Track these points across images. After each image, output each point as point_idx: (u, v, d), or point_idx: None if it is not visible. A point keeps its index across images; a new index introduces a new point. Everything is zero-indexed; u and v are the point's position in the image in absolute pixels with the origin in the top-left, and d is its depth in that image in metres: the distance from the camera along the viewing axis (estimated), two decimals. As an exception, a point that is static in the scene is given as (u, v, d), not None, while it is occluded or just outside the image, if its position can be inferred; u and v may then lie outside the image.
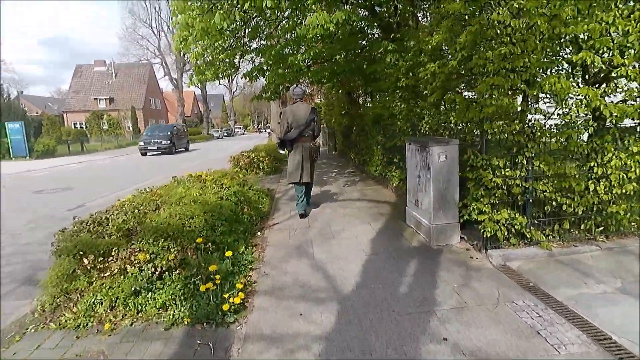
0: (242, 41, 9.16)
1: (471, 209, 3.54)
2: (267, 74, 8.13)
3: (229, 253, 3.01)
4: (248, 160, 10.34)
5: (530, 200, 3.44)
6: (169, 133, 21.61)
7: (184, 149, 23.38)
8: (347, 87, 12.31)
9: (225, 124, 68.99)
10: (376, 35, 9.33)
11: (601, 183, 3.39)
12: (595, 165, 3.36)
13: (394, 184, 6.38)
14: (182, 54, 37.22)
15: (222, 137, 49.71)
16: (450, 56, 4.19)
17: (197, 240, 3.01)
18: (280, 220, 5.24)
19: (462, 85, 4.32)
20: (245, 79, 9.48)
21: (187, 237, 3.13)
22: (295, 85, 6.66)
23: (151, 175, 11.35)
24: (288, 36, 8.39)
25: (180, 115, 37.30)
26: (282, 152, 5.98)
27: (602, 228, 3.56)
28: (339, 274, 3.27)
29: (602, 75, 3.72)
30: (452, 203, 3.81)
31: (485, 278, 3.06)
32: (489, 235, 3.34)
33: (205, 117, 47.47)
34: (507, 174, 3.32)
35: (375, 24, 8.04)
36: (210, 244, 3.24)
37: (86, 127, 43.51)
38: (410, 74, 5.28)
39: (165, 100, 53.77)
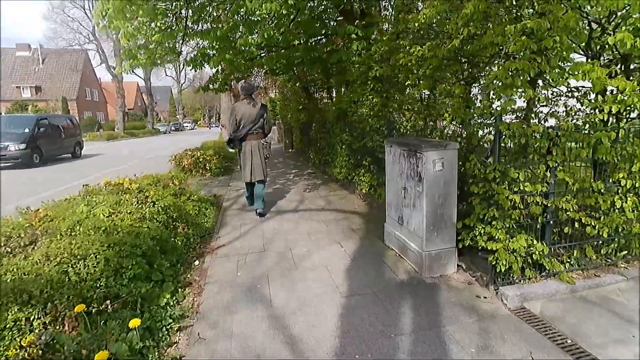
0: (184, 23, 7.81)
1: (477, 232, 2.74)
2: (212, 59, 6.89)
3: (134, 322, 1.90)
4: (192, 159, 8.98)
5: (551, 222, 2.71)
6: (26, 130, 12.54)
7: (69, 155, 14.95)
8: (305, 80, 11.34)
9: (174, 118, 64.89)
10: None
11: (628, 199, 2.75)
12: (624, 176, 2.70)
13: (363, 190, 5.53)
14: (118, 39, 33.65)
15: (169, 132, 46.41)
16: (440, 37, 3.36)
17: (76, 309, 1.85)
18: (228, 239, 4.14)
19: (461, 73, 3.51)
20: (189, 67, 8.19)
21: (71, 294, 1.98)
22: (243, 81, 5.74)
23: (78, 177, 9.53)
24: (238, 18, 7.24)
25: (120, 107, 33.91)
26: (230, 150, 5.84)
27: (624, 252, 2.94)
28: (308, 335, 2.30)
29: (617, 63, 3.11)
30: (449, 223, 2.99)
31: (508, 332, 2.25)
32: (502, 269, 2.55)
33: (149, 109, 43.93)
34: (526, 188, 2.55)
35: (337, 7, 7.13)
36: (110, 301, 2.10)
37: (7, 119, 38.37)
38: (384, 62, 4.44)
39: (105, 91, 48.90)
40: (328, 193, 6.38)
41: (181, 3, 6.85)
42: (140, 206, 3.45)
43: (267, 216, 5.00)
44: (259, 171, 4.97)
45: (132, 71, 8.11)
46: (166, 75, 60.09)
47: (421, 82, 3.45)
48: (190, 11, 7.26)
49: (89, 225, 2.73)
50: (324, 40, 7.64)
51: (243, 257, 3.61)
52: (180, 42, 8.20)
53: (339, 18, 8.11)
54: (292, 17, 6.60)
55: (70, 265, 2.18)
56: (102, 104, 47.35)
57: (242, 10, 6.44)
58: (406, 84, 3.69)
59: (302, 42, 6.57)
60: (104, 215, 3.01)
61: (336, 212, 5.08)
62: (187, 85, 59.89)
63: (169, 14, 7.12)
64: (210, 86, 9.54)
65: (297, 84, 11.51)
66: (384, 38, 4.21)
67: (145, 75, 42.46)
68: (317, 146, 9.07)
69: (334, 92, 10.49)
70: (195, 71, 9.14)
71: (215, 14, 8.02)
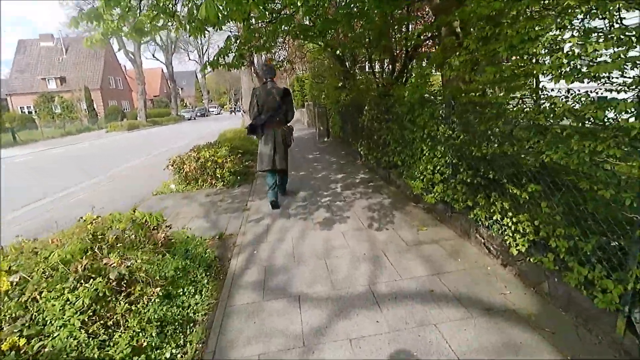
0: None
1: None
2: (205, 6, 4.12)
3: None
4: (197, 164, 6.39)
5: None
6: None
7: None
8: (345, 48, 8.34)
9: (200, 103, 63.42)
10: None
11: None
12: None
13: (514, 249, 2.63)
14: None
15: (194, 118, 44.71)
16: None
17: None
18: None
19: None
20: (187, 33, 5.54)
21: None
22: (264, 64, 5.59)
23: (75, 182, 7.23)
24: None
25: (140, 94, 32.14)
26: (253, 137, 5.42)
27: None
28: None
29: None
30: None
31: None
32: None
33: (173, 96, 42.22)
34: None
35: None
36: None
37: (35, 112, 38.05)
38: None
39: (129, 79, 47.63)
40: (416, 235, 3.54)
41: None
42: None
43: (320, 325, 2.27)
44: (281, 160, 4.67)
45: (103, 44, 5.50)
46: (189, 59, 58.31)
47: None
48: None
49: None
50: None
51: None
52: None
53: None
54: None
55: None
56: (126, 92, 46.16)
57: None
58: None
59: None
60: None
61: (473, 315, 2.25)
62: (211, 69, 57.62)
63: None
64: (221, 60, 6.82)
65: (337, 52, 8.52)
66: None
67: (166, 60, 40.56)
68: (374, 140, 6.18)
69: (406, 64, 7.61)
70: (195, 38, 6.38)
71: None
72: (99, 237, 2.57)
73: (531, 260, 2.45)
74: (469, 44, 2.72)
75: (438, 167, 3.79)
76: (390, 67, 10.08)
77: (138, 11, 5.80)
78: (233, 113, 49.21)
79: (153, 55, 45.86)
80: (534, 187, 2.40)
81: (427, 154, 4.03)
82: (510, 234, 2.67)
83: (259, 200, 5.18)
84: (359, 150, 7.33)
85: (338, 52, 8.03)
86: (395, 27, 8.59)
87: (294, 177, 6.49)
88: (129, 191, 6.75)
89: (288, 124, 4.82)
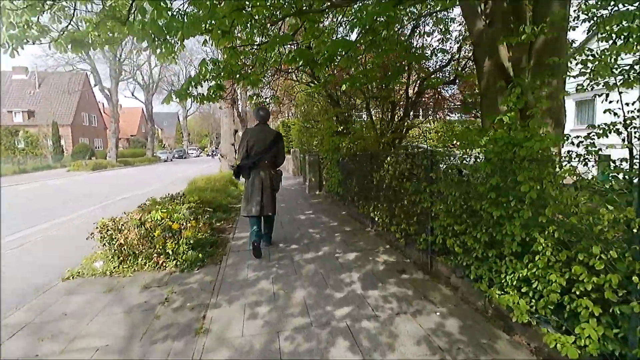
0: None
1: None
2: None
3: None
4: (140, 231, 4.25)
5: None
6: None
7: None
8: (352, 84, 6.72)
9: (179, 145, 61.44)
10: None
11: None
12: None
13: None
14: (117, 59, 30.15)
15: (171, 160, 42.47)
16: None
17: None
18: None
19: None
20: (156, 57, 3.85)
21: None
22: (260, 107, 4.78)
23: None
24: None
25: (113, 133, 29.87)
26: (238, 180, 5.21)
27: None
28: None
29: None
30: None
31: None
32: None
33: (150, 135, 40.13)
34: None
35: None
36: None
37: (-5, 146, 34.94)
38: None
39: (105, 116, 45.43)
40: None
41: None
42: None
43: None
44: (269, 204, 4.42)
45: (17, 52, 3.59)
46: (172, 99, 57.23)
47: None
48: None
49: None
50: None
51: None
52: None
53: None
54: None
55: None
56: (101, 130, 43.73)
57: None
58: None
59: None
60: None
61: None
62: (194, 111, 56.44)
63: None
64: (192, 90, 4.88)
65: (343, 88, 6.91)
66: None
67: (146, 99, 39.02)
68: (401, 205, 4.28)
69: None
70: (162, 63, 4.48)
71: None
72: None
73: None
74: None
75: (589, 286, 1.88)
76: (390, 114, 8.67)
77: (70, 11, 4.04)
78: (211, 156, 47.25)
79: (132, 94, 44.17)
80: None
81: (547, 252, 2.14)
82: None
83: (227, 306, 3.06)
84: (371, 215, 5.41)
85: (344, 87, 6.39)
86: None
87: (284, 251, 4.46)
88: (30, 268, 4.47)
89: (277, 168, 4.66)
